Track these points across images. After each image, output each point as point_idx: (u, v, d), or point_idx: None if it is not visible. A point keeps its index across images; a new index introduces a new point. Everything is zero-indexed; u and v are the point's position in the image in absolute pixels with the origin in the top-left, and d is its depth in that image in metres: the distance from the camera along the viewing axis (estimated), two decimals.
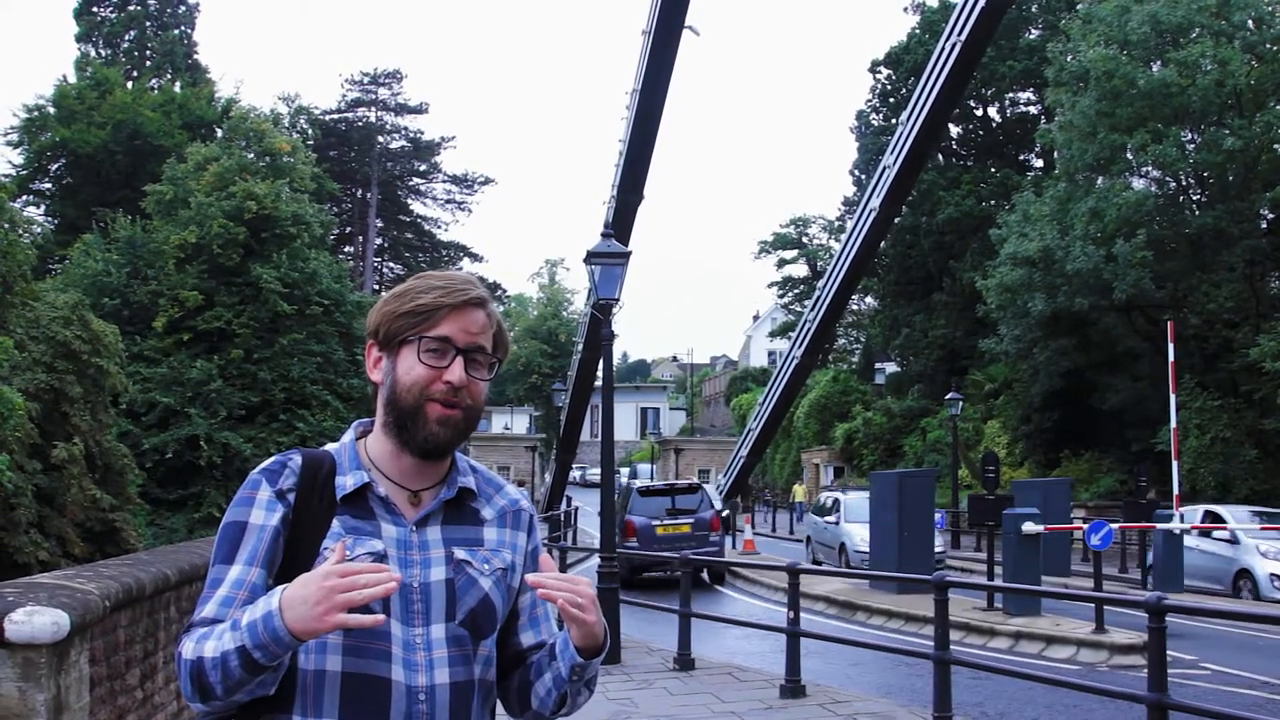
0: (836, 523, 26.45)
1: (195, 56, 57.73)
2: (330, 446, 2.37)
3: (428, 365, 2.23)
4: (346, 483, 2.25)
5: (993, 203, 45.65)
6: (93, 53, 55.28)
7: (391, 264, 78.91)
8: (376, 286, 70.04)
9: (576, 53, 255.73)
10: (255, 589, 2.15)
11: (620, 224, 34.15)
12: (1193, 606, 7.71)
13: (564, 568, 18.19)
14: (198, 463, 32.75)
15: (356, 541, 2.19)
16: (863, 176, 52.75)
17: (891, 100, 53.37)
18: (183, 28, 57.77)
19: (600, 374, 17.24)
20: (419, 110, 77.53)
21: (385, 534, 2.23)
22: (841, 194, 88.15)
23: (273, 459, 2.31)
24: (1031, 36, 47.63)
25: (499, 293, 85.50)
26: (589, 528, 41.22)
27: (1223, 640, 15.98)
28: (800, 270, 75.00)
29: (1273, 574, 20.62)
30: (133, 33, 56.67)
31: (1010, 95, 51.28)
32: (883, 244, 43.28)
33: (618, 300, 14.23)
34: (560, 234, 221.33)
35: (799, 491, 50.89)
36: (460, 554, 2.28)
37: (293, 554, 2.20)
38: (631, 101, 36.34)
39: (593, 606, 2.21)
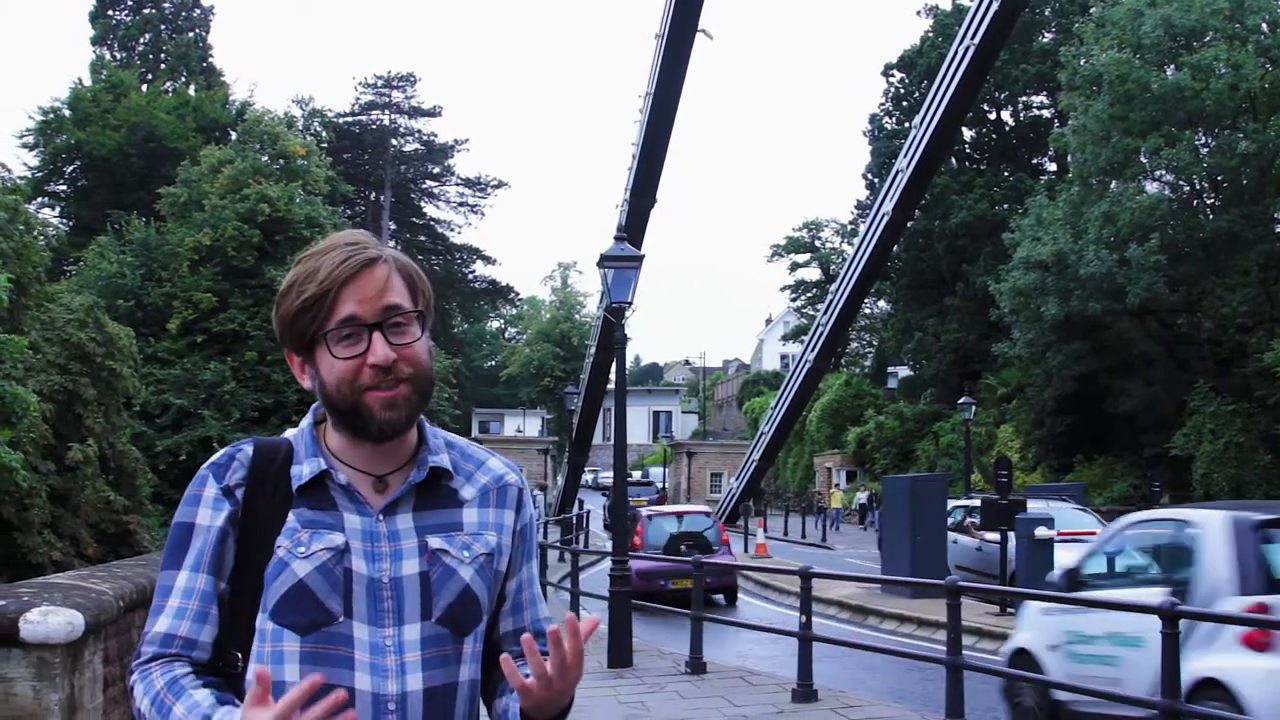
0: None
1: (210, 60, 57.87)
2: (290, 432, 2.17)
3: (345, 357, 1.99)
4: (303, 471, 2.05)
5: (1006, 207, 45.55)
6: (108, 56, 55.43)
7: None
8: None
9: (590, 56, 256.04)
10: (206, 597, 2.01)
11: (633, 227, 34.20)
12: (1206, 613, 7.62)
13: (576, 570, 18.21)
14: None
15: (314, 536, 2.00)
16: (875, 180, 52.73)
17: (904, 104, 53.39)
18: (197, 31, 57.90)
19: (613, 377, 17.26)
20: (432, 113, 77.71)
21: (348, 525, 2.02)
22: (854, 197, 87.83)
23: (222, 451, 2.12)
24: (1045, 40, 47.56)
25: (511, 295, 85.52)
26: (601, 530, 41.25)
27: None
28: (813, 274, 74.98)
29: None
30: (148, 36, 56.86)
31: (1023, 99, 51.24)
32: (895, 248, 43.31)
33: (630, 303, 14.22)
34: (573, 237, 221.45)
35: (836, 497, 50.04)
36: (435, 542, 2.06)
37: (245, 554, 2.03)
38: (645, 105, 36.41)
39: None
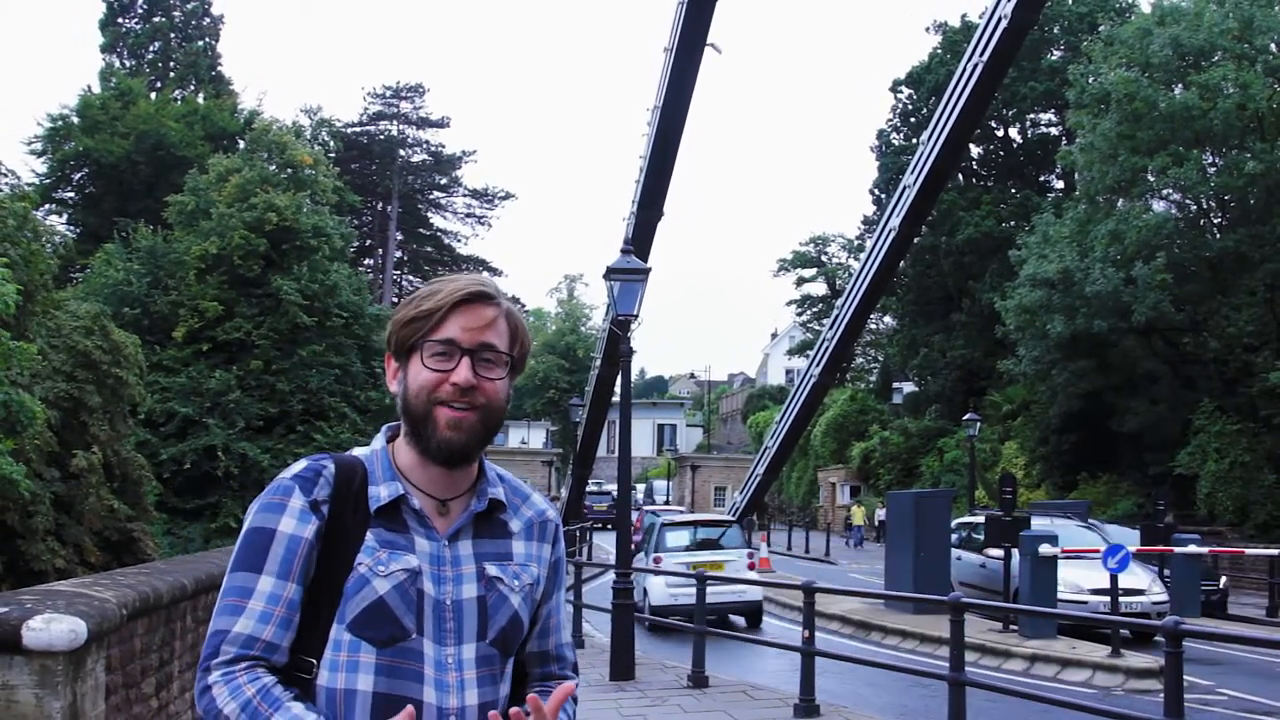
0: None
1: (219, 68, 57.99)
2: (359, 451, 2.29)
3: (433, 369, 2.16)
4: (381, 493, 2.18)
5: (1012, 224, 45.60)
6: (117, 63, 55.55)
7: (411, 277, 79.18)
8: (395, 299, 70.15)
9: (598, 69, 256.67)
10: (292, 605, 2.10)
11: (640, 240, 34.21)
12: (1210, 631, 7.64)
13: (579, 582, 18.19)
14: (215, 473, 32.75)
15: (391, 556, 2.13)
16: (883, 196, 52.75)
17: (912, 120, 53.44)
18: (207, 40, 58.08)
19: (618, 389, 17.26)
20: (440, 124, 77.90)
21: (419, 548, 2.16)
22: (861, 213, 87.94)
23: (305, 465, 2.21)
24: (1053, 58, 47.62)
25: (518, 307, 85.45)
26: (604, 543, 41.21)
27: (1241, 666, 15.89)
28: (819, 289, 75.00)
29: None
30: (157, 44, 57.01)
31: (1031, 116, 51.29)
32: (902, 264, 43.27)
33: (636, 316, 14.24)
34: (580, 249, 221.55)
35: (858, 513, 49.75)
36: (492, 570, 2.21)
37: (326, 568, 2.13)
38: (652, 118, 36.44)
39: None
